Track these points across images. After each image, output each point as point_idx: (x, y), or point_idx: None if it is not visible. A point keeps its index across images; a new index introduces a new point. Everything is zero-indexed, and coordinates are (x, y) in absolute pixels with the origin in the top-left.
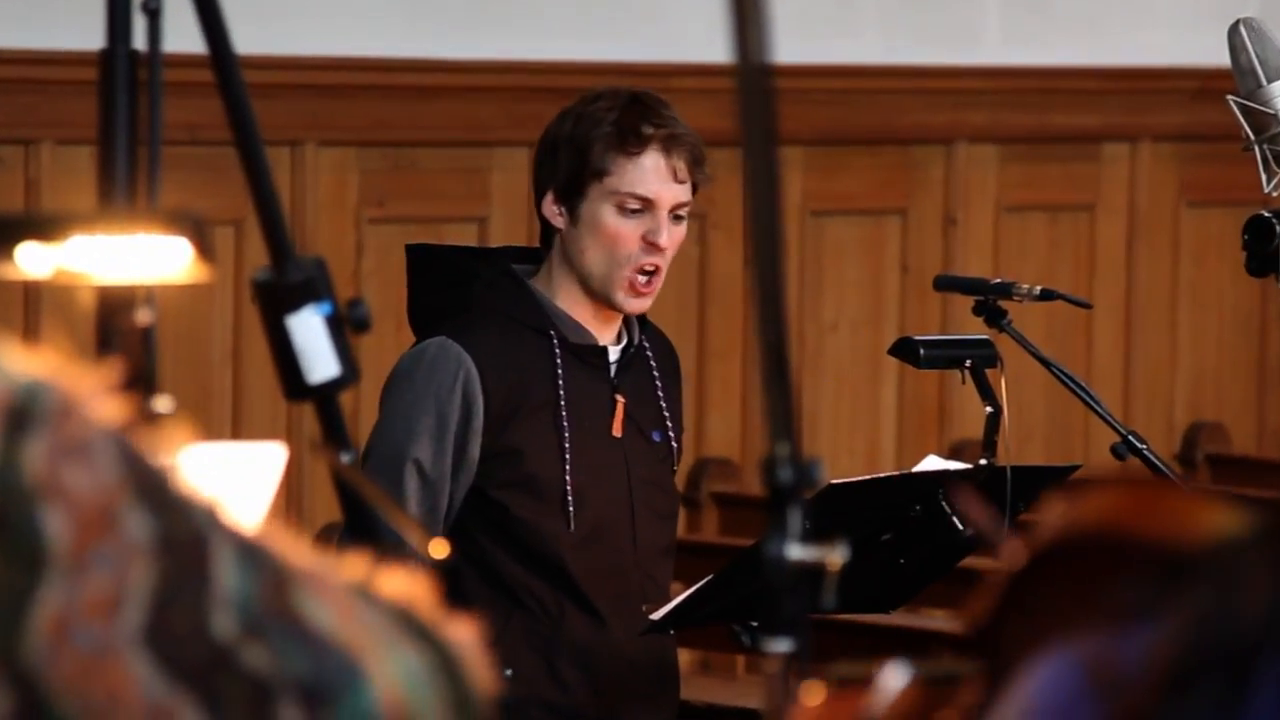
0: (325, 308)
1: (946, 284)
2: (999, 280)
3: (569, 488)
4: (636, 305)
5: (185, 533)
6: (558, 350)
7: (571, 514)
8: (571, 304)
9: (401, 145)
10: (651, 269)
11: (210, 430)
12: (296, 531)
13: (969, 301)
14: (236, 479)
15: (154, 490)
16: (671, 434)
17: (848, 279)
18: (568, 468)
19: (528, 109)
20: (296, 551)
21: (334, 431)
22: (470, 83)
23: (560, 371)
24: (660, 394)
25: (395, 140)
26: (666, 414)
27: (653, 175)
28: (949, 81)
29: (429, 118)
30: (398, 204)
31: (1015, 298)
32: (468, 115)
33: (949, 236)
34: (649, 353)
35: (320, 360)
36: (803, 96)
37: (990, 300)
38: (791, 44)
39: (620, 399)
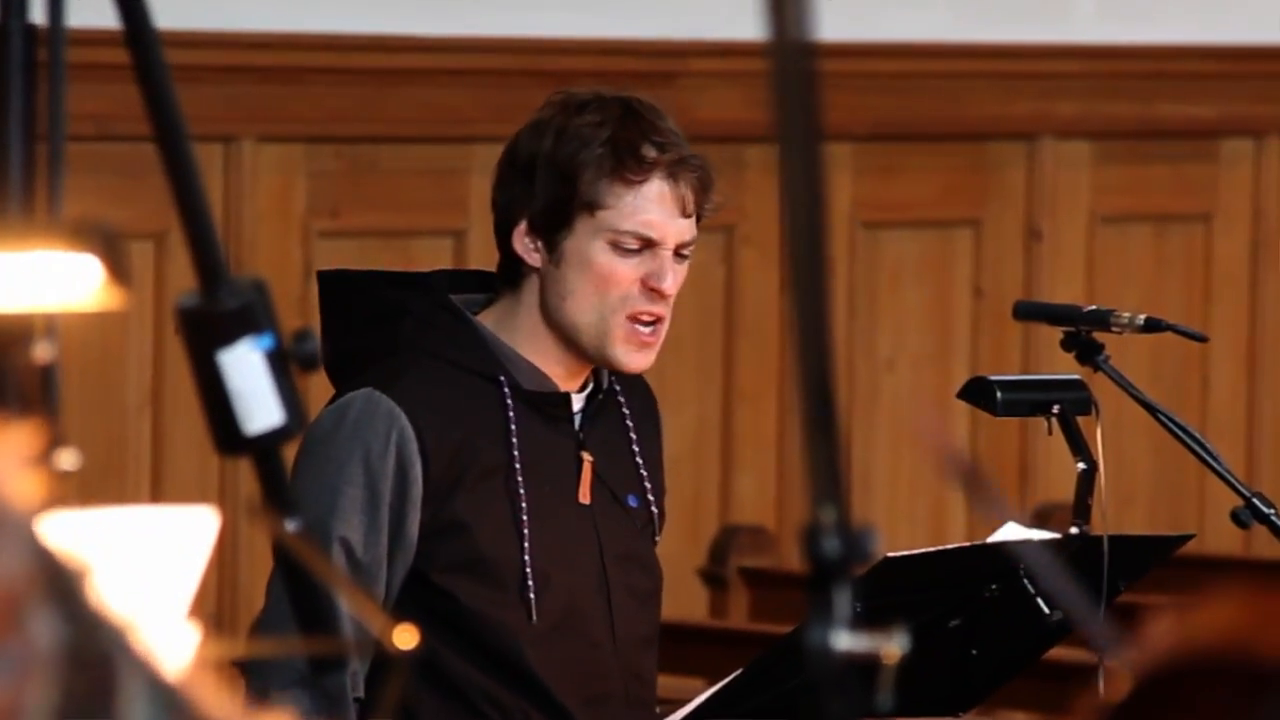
0: (266, 341)
1: (1029, 311)
2: (1094, 307)
3: (528, 569)
4: (640, 361)
5: (94, 651)
6: (509, 400)
7: (533, 601)
8: (534, 351)
9: (360, 141)
10: (652, 319)
11: (124, 491)
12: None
13: (1057, 333)
14: (156, 552)
15: (65, 593)
16: (651, 497)
17: (908, 305)
18: (526, 544)
19: (515, 97)
20: (211, 701)
21: (276, 493)
22: (445, 64)
23: (513, 426)
24: (636, 448)
25: (353, 135)
26: (644, 472)
27: (657, 209)
28: (1033, 63)
29: (394, 108)
30: (355, 214)
31: (1114, 329)
32: (442, 104)
33: (1032, 253)
34: (620, 398)
35: (260, 406)
36: (853, 81)
37: (1083, 332)
38: (839, 17)
39: (587, 457)
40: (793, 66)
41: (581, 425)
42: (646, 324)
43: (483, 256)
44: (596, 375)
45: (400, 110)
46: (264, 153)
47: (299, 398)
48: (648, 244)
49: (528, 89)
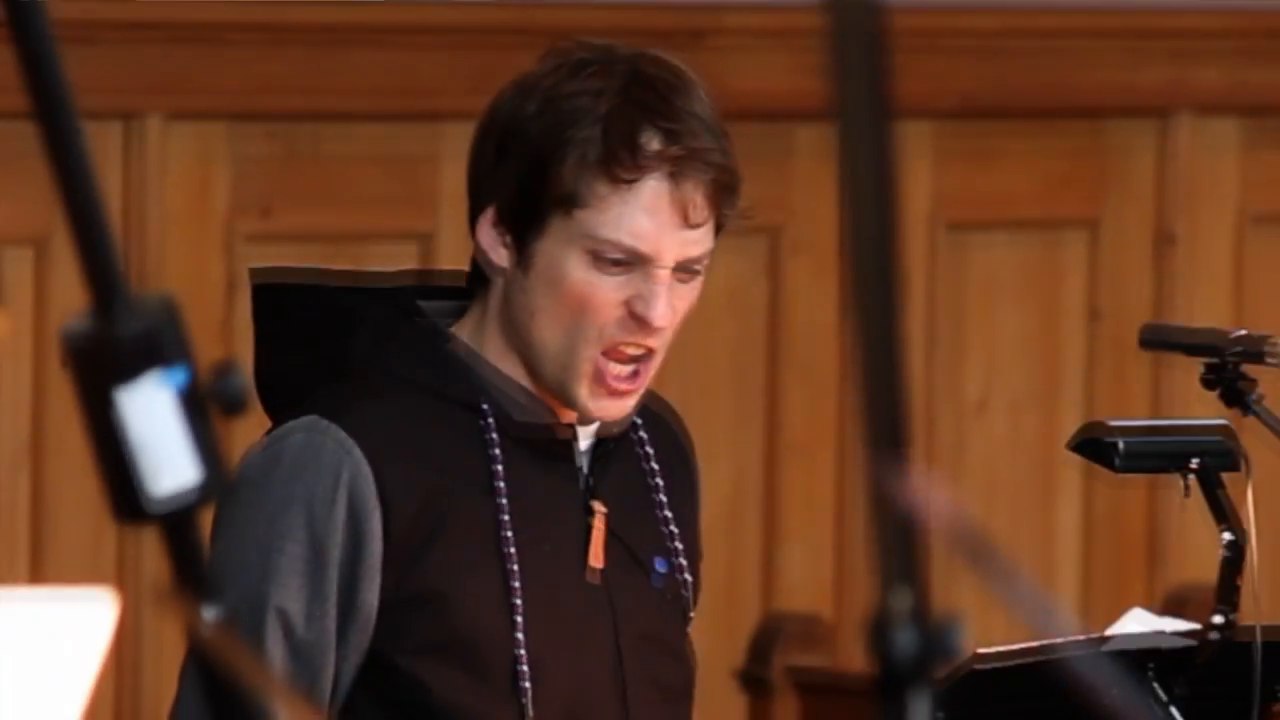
0: (178, 377)
1: (1160, 339)
2: (1243, 333)
3: (522, 653)
4: (610, 409)
5: None
6: (495, 434)
7: (528, 694)
8: (516, 369)
9: (299, 118)
10: (639, 353)
11: None
12: None
13: (1195, 366)
14: (38, 645)
15: None
16: (682, 560)
17: (1004, 330)
18: (520, 622)
19: (497, 64)
20: None
21: (189, 571)
22: (407, 21)
23: (499, 468)
24: (663, 497)
25: (289, 111)
26: (673, 528)
27: (648, 217)
28: (1164, 19)
29: (342, 76)
30: (292, 212)
31: (1270, 360)
32: (403, 73)
33: (1164, 262)
34: (643, 433)
35: (169, 460)
36: (935, 42)
37: (1230, 364)
38: None
39: (599, 508)
40: (856, 23)
41: (591, 468)
42: (626, 362)
43: (456, 264)
44: None
45: (351, 79)
46: (175, 133)
47: (220, 449)
48: (636, 258)
49: (513, 54)
